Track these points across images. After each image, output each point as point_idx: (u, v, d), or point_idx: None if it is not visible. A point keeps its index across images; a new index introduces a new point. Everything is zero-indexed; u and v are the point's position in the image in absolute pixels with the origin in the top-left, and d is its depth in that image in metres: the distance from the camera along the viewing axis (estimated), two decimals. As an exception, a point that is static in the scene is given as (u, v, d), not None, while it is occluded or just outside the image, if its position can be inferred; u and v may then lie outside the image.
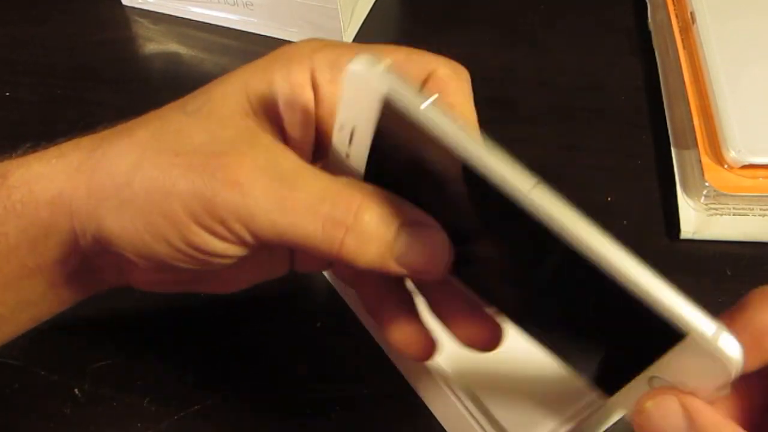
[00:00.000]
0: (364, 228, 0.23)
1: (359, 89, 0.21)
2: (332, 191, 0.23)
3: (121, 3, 0.52)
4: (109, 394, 0.35)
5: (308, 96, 0.25)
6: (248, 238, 0.23)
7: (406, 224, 0.23)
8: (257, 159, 0.23)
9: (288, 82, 0.25)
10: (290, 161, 0.23)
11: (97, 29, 0.52)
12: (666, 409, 0.21)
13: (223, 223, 0.23)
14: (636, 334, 0.21)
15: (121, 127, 0.25)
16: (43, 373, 0.36)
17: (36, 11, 0.53)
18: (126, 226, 0.24)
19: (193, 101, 0.25)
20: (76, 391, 0.35)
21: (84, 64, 0.49)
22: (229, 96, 0.25)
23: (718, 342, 0.19)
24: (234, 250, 0.24)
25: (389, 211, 0.23)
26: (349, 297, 0.37)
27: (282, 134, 0.26)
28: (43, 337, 0.37)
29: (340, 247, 0.23)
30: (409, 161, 0.22)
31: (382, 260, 0.23)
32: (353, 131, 0.23)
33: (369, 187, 0.23)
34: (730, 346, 0.19)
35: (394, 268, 0.23)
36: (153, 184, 0.23)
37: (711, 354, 0.19)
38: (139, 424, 0.34)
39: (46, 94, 0.48)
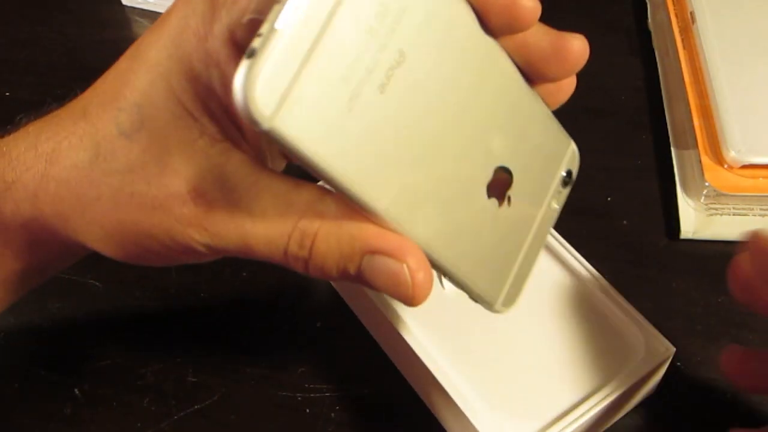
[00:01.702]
0: (318, 263, 0.22)
1: None
2: (287, 224, 0.22)
3: (121, 3, 0.52)
4: (109, 394, 0.35)
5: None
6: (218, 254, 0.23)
7: (367, 252, 0.22)
8: (208, 191, 0.22)
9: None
10: (242, 179, 0.22)
11: (97, 29, 0.52)
12: None
13: (194, 249, 0.23)
14: None
15: (53, 144, 0.24)
16: (43, 373, 0.36)
17: (36, 11, 0.53)
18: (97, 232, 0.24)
19: (124, 114, 0.23)
20: (76, 391, 0.35)
21: (84, 64, 0.49)
22: (161, 104, 0.23)
23: None
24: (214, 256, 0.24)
25: (347, 243, 0.22)
26: (349, 297, 0.37)
27: (224, 122, 0.24)
28: (43, 337, 0.37)
29: (305, 272, 0.23)
30: None
31: (350, 280, 0.23)
32: None
33: (330, 207, 0.22)
34: None
35: (367, 286, 0.23)
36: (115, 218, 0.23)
37: None
38: (139, 424, 0.34)
39: (46, 94, 0.47)
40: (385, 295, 0.32)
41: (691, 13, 0.46)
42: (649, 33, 0.50)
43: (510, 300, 0.25)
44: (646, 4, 0.51)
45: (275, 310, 0.38)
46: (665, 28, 0.48)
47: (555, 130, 0.25)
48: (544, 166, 0.25)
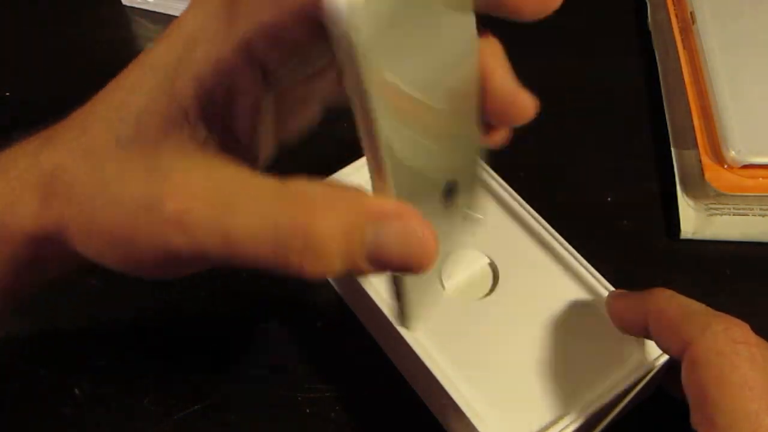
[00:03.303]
0: (317, 247, 0.20)
1: None
2: (274, 211, 0.20)
3: (121, 3, 0.52)
4: (109, 394, 0.35)
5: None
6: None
7: (371, 219, 0.20)
8: (192, 192, 0.21)
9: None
10: (229, 182, 0.22)
11: (97, 29, 0.52)
12: None
13: (175, 253, 0.22)
14: None
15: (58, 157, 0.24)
16: (43, 373, 0.36)
17: (36, 11, 0.53)
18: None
19: (124, 125, 0.23)
20: (76, 391, 0.35)
21: (84, 64, 0.49)
22: (161, 109, 0.23)
23: None
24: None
25: (346, 214, 0.20)
26: (349, 297, 0.37)
27: (219, 124, 0.24)
28: (43, 337, 0.37)
29: (301, 269, 0.20)
30: None
31: (353, 266, 0.20)
32: None
33: (318, 188, 0.21)
34: None
35: (370, 270, 0.21)
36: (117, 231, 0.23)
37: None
38: (139, 424, 0.34)
39: (46, 94, 0.48)
40: (386, 295, 0.33)
41: (691, 13, 0.46)
42: (649, 33, 0.50)
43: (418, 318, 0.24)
44: (646, 4, 0.51)
45: (275, 310, 0.38)
46: (665, 28, 0.48)
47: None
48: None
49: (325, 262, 0.20)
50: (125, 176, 0.23)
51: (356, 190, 0.21)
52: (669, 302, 0.29)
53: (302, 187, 0.21)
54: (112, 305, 0.38)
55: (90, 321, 0.38)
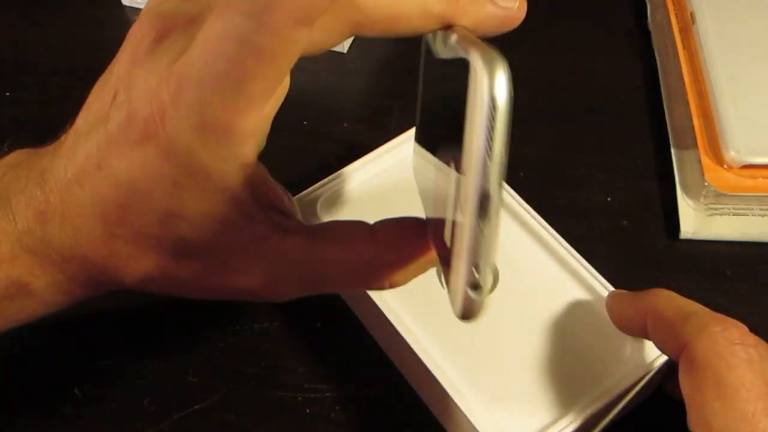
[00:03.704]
0: (397, 283, 0.26)
1: None
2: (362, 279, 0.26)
3: (121, 3, 0.52)
4: (109, 394, 0.35)
5: None
6: None
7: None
8: None
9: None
10: (304, 252, 0.25)
11: (97, 29, 0.52)
12: None
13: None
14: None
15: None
16: (43, 373, 0.36)
17: (36, 11, 0.53)
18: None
19: None
20: (76, 391, 0.35)
21: (84, 64, 0.49)
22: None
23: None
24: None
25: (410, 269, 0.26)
26: (349, 297, 0.37)
27: None
28: (44, 337, 0.37)
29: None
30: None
31: None
32: None
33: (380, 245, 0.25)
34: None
35: None
36: None
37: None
38: (139, 424, 0.34)
39: (46, 94, 0.48)
40: (386, 296, 0.33)
41: (691, 13, 0.46)
42: (649, 33, 0.50)
43: None
44: (646, 4, 0.51)
45: (275, 310, 0.38)
46: (665, 28, 0.48)
47: None
48: None
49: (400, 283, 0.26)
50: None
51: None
52: (667, 303, 0.29)
53: (370, 253, 0.25)
54: (112, 305, 0.38)
55: (90, 320, 0.37)
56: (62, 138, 0.25)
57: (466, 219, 0.19)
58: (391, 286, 0.26)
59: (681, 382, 0.27)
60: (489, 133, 0.18)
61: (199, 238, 0.23)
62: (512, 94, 0.18)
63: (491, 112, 0.18)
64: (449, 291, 0.22)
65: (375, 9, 0.22)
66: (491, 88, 0.18)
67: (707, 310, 0.28)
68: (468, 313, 0.20)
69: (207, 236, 0.23)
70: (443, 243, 0.22)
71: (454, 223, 0.21)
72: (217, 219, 0.23)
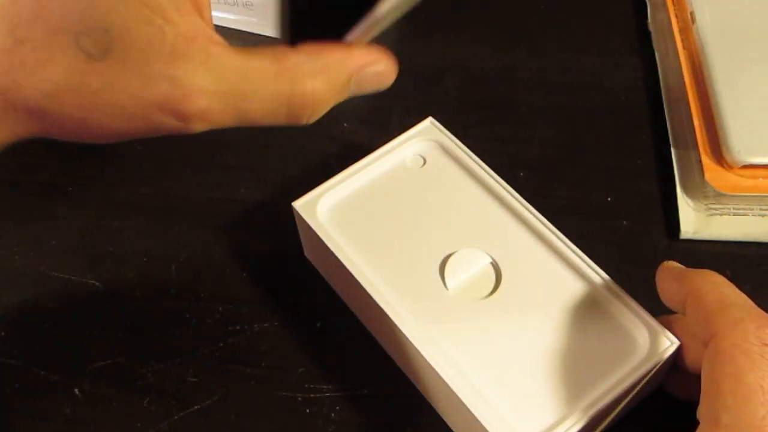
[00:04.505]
0: (318, 108, 0.25)
1: None
2: (281, 91, 0.24)
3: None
4: (109, 394, 0.35)
5: None
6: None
7: (354, 73, 0.25)
8: (211, 93, 0.23)
9: None
10: (233, 72, 0.24)
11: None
12: None
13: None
14: None
15: None
16: (43, 373, 0.36)
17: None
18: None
19: (88, 39, 0.22)
20: (76, 391, 0.35)
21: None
22: (131, 16, 0.22)
23: None
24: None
25: (336, 77, 0.25)
26: (349, 297, 0.37)
27: None
28: (43, 337, 0.37)
29: (305, 122, 0.26)
30: None
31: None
32: None
33: (305, 60, 0.25)
34: None
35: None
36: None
37: None
38: (139, 424, 0.34)
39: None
40: (386, 295, 0.33)
41: (691, 13, 0.46)
42: (649, 33, 0.50)
43: None
44: (646, 4, 0.51)
45: (275, 310, 0.38)
46: (665, 28, 0.48)
47: None
48: None
49: (322, 110, 0.26)
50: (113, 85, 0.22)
51: (339, 51, 0.25)
52: (711, 287, 0.28)
53: (294, 60, 0.24)
54: (112, 305, 0.38)
55: (90, 321, 0.38)
56: None
57: None
58: (314, 109, 0.25)
59: (702, 369, 0.27)
60: None
61: (123, 33, 0.22)
62: None
63: None
64: None
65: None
66: None
67: (751, 304, 0.28)
68: None
69: (133, 30, 0.22)
70: None
71: None
72: (148, 14, 0.22)
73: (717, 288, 0.28)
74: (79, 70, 0.22)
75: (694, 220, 0.40)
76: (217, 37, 0.24)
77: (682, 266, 0.31)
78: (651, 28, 0.50)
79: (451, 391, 0.30)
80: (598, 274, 0.33)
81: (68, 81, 0.22)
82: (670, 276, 0.31)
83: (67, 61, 0.22)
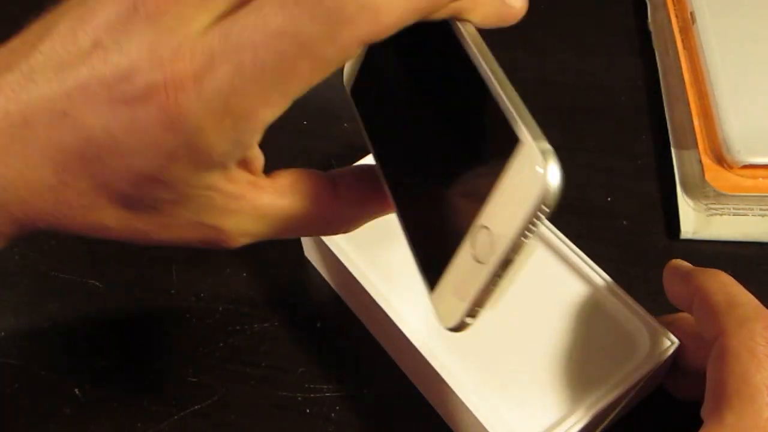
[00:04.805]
0: (352, 228, 0.27)
1: None
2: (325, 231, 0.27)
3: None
4: (109, 394, 0.35)
5: None
6: None
7: None
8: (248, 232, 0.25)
9: None
10: (274, 209, 0.25)
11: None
12: None
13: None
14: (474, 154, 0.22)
15: None
16: (43, 373, 0.36)
17: (36, 11, 0.53)
18: None
19: None
20: (76, 391, 0.35)
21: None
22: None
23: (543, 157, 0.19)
24: None
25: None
26: (349, 297, 0.37)
27: None
28: (43, 337, 0.37)
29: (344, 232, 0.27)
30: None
31: None
32: None
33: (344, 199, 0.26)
34: (551, 168, 0.19)
35: None
36: None
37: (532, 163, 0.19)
38: (139, 424, 0.34)
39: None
40: (386, 295, 0.33)
41: (691, 13, 0.46)
42: (649, 33, 0.50)
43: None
44: (646, 4, 0.51)
45: (275, 310, 0.38)
46: (665, 28, 0.48)
47: None
48: None
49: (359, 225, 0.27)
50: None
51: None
52: (718, 287, 0.28)
53: (336, 209, 0.26)
54: (112, 305, 0.38)
55: (90, 321, 0.38)
56: (7, 53, 0.24)
57: (486, 267, 0.20)
58: (346, 232, 0.27)
59: (708, 368, 0.27)
60: (532, 219, 0.19)
61: (174, 199, 0.22)
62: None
63: (541, 204, 0.19)
64: (438, 300, 0.22)
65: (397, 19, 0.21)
66: (545, 181, 0.19)
67: (758, 303, 0.28)
68: (456, 330, 0.21)
69: (185, 197, 0.22)
70: (434, 241, 0.23)
71: (457, 243, 0.21)
72: (201, 186, 0.22)
73: (724, 287, 0.28)
74: (125, 218, 0.23)
75: (694, 220, 0.40)
76: (264, 182, 0.25)
77: (689, 265, 0.31)
78: (651, 28, 0.50)
79: (451, 391, 0.30)
80: (598, 274, 0.33)
81: (114, 224, 0.23)
82: (677, 275, 0.31)
83: (114, 212, 0.23)
